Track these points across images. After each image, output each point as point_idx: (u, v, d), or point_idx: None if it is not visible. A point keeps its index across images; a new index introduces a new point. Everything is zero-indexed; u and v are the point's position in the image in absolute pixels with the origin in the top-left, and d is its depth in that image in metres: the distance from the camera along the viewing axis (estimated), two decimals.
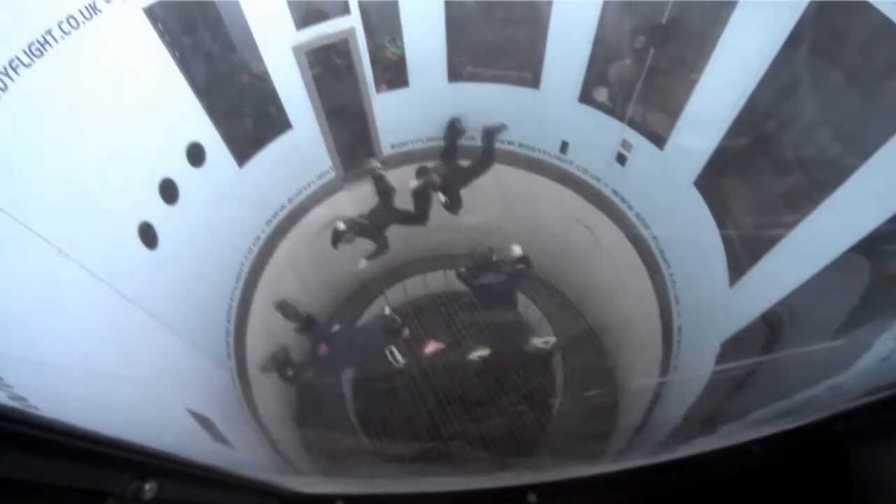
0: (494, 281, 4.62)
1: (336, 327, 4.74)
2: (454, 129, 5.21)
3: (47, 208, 2.45)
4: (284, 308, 4.91)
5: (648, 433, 4.21)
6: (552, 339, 4.87)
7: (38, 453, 0.77)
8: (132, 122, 3.13)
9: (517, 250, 4.63)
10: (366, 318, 4.81)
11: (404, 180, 5.20)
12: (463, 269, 4.71)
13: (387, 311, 4.52)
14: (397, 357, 4.34)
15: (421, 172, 4.92)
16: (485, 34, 5.09)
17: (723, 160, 3.71)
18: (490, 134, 5.06)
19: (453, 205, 5.10)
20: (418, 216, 5.27)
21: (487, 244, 4.55)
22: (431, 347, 4.64)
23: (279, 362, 4.72)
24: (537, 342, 4.82)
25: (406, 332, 4.41)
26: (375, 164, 4.99)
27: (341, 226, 4.82)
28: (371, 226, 5.04)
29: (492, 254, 4.51)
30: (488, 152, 5.13)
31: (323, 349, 4.57)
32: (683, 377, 4.22)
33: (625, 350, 5.68)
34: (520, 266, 4.64)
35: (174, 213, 3.53)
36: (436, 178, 4.85)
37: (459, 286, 5.32)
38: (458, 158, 5.28)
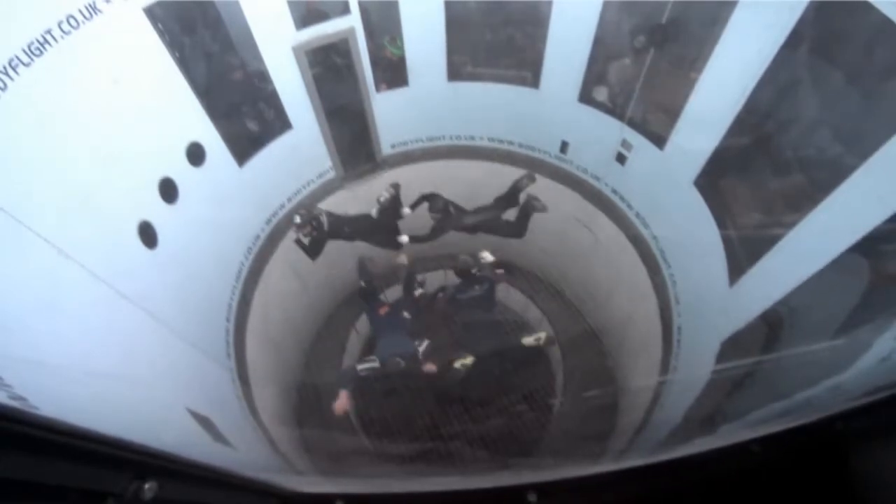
0: (478, 293, 4.64)
1: (406, 314, 4.56)
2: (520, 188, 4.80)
3: (47, 208, 2.45)
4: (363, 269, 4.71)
5: (648, 433, 4.21)
6: (543, 335, 4.83)
7: (39, 453, 0.77)
8: (132, 121, 3.13)
9: (488, 257, 4.53)
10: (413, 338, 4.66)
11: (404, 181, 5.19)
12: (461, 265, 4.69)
13: (422, 346, 4.42)
14: (400, 363, 4.33)
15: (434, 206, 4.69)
16: (485, 34, 5.09)
17: (723, 160, 3.71)
18: (528, 209, 4.76)
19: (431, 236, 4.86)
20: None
21: (468, 256, 4.55)
22: (429, 367, 4.64)
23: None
24: (528, 340, 4.80)
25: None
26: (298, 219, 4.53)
27: (297, 219, 4.41)
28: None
29: (473, 266, 4.52)
30: (520, 226, 4.91)
31: (384, 309, 4.58)
32: (683, 377, 4.22)
33: (625, 350, 5.68)
34: (499, 271, 4.63)
35: (174, 212, 3.53)
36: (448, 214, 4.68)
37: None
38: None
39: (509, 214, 4.93)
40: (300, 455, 4.48)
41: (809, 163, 3.31)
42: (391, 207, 4.78)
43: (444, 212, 4.70)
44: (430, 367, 4.36)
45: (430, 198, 4.73)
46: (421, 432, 5.68)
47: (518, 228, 4.93)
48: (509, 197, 4.86)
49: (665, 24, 3.84)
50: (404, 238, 4.87)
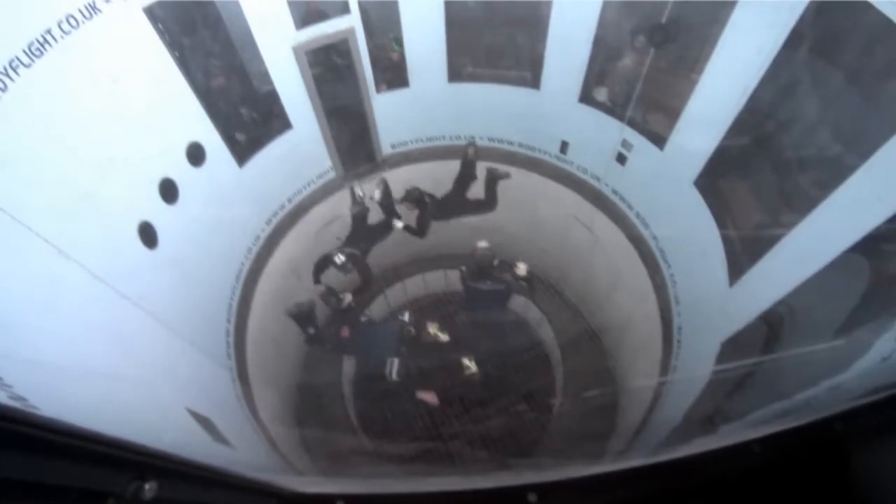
0: (490, 288, 4.59)
1: (365, 317, 4.65)
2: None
3: (47, 208, 2.45)
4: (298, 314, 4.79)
5: (648, 433, 4.21)
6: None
7: (39, 453, 0.77)
8: (132, 121, 3.13)
9: (522, 269, 4.52)
10: (388, 315, 4.75)
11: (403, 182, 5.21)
12: (464, 268, 4.67)
13: (406, 316, 4.48)
14: (393, 372, 4.33)
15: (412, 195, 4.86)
16: (485, 34, 5.09)
17: (723, 160, 3.70)
18: (493, 180, 4.96)
19: (419, 229, 5.02)
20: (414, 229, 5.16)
21: (491, 249, 4.49)
22: (426, 396, 4.65)
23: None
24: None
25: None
26: (359, 191, 4.90)
27: (340, 259, 4.62)
28: (363, 259, 4.94)
29: (493, 260, 4.46)
30: (489, 198, 5.08)
31: (346, 331, 4.53)
32: (683, 377, 4.22)
33: (625, 350, 5.68)
34: (522, 283, 4.58)
35: (174, 212, 3.53)
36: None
37: (459, 286, 5.32)
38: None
39: (477, 193, 5.11)
40: (300, 455, 4.48)
41: (809, 163, 3.31)
42: (387, 204, 4.85)
43: (421, 202, 4.81)
44: (429, 397, 4.39)
45: (409, 191, 4.89)
46: (421, 432, 5.68)
47: (488, 202, 5.10)
48: (463, 173, 5.05)
49: (665, 24, 3.84)
50: (399, 224, 4.99)
